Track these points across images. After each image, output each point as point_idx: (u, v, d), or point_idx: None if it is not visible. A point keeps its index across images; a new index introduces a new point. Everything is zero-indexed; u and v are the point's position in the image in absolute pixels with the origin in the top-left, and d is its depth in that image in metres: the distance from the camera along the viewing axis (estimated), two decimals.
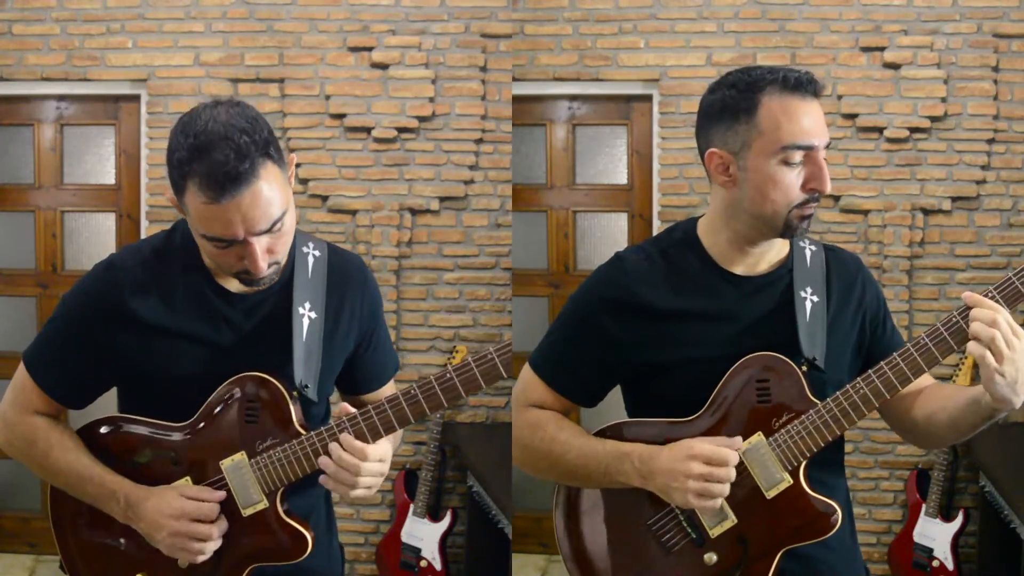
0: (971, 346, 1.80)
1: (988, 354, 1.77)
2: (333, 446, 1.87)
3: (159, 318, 1.94)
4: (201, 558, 1.90)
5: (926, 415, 1.99)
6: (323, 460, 1.88)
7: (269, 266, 1.85)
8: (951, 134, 4.36)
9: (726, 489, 1.86)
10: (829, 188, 1.87)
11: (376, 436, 1.90)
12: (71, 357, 1.98)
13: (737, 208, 1.93)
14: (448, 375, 1.88)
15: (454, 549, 4.43)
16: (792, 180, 1.86)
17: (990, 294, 1.82)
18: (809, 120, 1.86)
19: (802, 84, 1.86)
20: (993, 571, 4.20)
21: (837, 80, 4.35)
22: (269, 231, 1.81)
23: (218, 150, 1.74)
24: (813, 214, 1.90)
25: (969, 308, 1.82)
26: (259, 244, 1.80)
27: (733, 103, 1.89)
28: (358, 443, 1.87)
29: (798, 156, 1.86)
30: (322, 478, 1.90)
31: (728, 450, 1.86)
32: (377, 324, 2.14)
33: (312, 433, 1.91)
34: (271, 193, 1.78)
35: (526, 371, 2.08)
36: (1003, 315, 1.78)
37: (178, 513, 1.89)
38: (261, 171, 1.77)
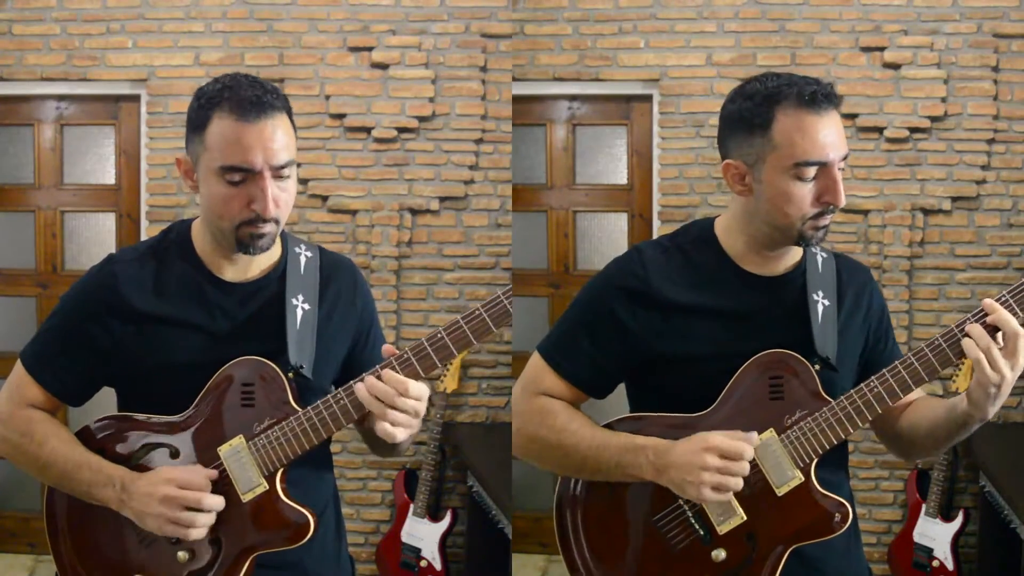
0: (967, 347, 1.82)
1: (983, 358, 1.80)
2: (369, 377, 1.86)
3: (153, 307, 1.97)
4: (194, 533, 1.88)
5: (910, 425, 2.02)
6: (358, 387, 1.86)
7: (274, 221, 1.90)
8: (951, 134, 4.36)
9: (739, 483, 1.86)
10: (844, 202, 1.89)
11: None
12: (69, 351, 1.99)
13: (753, 216, 1.94)
14: (457, 323, 1.88)
15: (454, 549, 4.43)
16: (805, 194, 1.88)
17: (1003, 299, 1.83)
18: (824, 135, 1.87)
19: (817, 99, 1.87)
20: (993, 571, 4.20)
21: (837, 80, 4.35)
22: (280, 172, 1.89)
23: (246, 86, 1.90)
24: (828, 224, 1.92)
25: (986, 313, 1.82)
26: (271, 185, 1.88)
27: (749, 115, 1.89)
28: (398, 376, 1.85)
29: (811, 171, 1.87)
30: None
31: (743, 444, 1.86)
32: (372, 323, 2.14)
33: (309, 408, 1.90)
34: (288, 135, 1.91)
35: (535, 359, 2.06)
36: (1021, 333, 1.79)
37: (167, 479, 1.88)
38: (283, 111, 1.91)
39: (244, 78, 1.93)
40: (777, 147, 1.87)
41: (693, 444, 1.87)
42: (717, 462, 1.84)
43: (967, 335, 1.82)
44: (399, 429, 1.85)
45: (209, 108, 1.90)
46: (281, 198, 1.90)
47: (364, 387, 1.85)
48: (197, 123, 1.91)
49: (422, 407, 1.87)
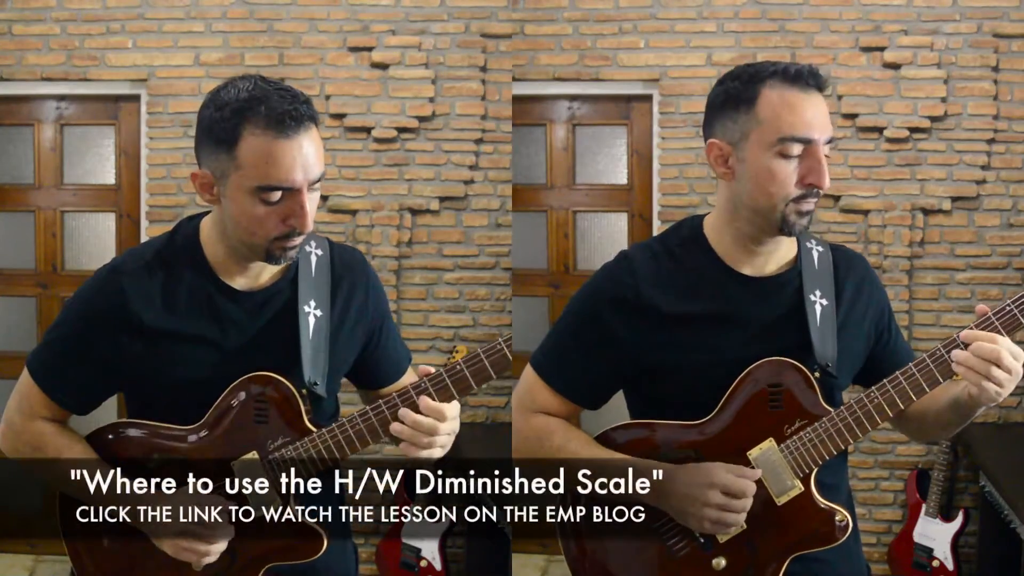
0: (967, 375, 1.82)
1: (988, 386, 1.80)
2: (404, 411, 1.86)
3: (163, 322, 1.93)
4: (207, 560, 1.92)
5: (919, 411, 1.99)
6: (395, 426, 1.87)
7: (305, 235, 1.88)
8: (951, 134, 4.36)
9: (740, 519, 1.86)
10: (828, 184, 1.85)
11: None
12: (75, 363, 1.97)
13: (737, 203, 1.90)
14: (458, 367, 1.89)
15: (454, 549, 4.43)
16: (789, 173, 1.84)
17: (990, 323, 1.82)
18: (810, 113, 1.84)
19: (803, 76, 1.85)
20: (993, 571, 4.20)
21: (837, 80, 4.35)
22: (315, 184, 1.84)
23: (275, 97, 1.81)
24: (812, 211, 1.88)
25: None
26: (308, 200, 1.83)
27: (735, 94, 1.87)
28: (436, 404, 1.85)
29: (796, 149, 1.84)
30: (401, 445, 1.89)
31: (748, 481, 1.86)
32: (385, 317, 2.13)
33: (324, 430, 1.91)
34: (321, 145, 1.84)
35: (528, 373, 2.04)
36: (1004, 347, 1.80)
37: (181, 528, 1.90)
38: (314, 120, 1.84)
39: (270, 85, 1.84)
40: (761, 122, 1.84)
41: (698, 477, 1.86)
42: (720, 499, 1.85)
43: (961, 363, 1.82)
44: (436, 450, 1.88)
45: (238, 121, 1.80)
46: (313, 208, 1.86)
47: (406, 428, 1.87)
48: (223, 137, 1.81)
49: (457, 425, 1.89)
